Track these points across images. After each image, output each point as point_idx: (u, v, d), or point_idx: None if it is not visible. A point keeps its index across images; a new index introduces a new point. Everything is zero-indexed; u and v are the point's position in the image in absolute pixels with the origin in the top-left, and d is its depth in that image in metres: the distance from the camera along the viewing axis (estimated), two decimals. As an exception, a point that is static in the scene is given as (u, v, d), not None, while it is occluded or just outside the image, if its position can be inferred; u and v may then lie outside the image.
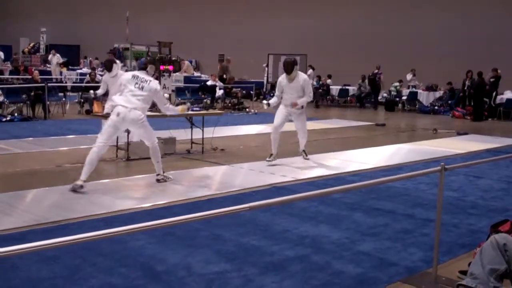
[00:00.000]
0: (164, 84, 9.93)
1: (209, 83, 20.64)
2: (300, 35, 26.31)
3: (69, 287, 4.13)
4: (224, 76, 22.07)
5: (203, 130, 10.35)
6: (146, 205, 6.57)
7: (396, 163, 10.02)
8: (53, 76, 20.67)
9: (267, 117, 17.66)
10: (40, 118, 14.73)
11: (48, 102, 14.99)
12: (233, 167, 9.03)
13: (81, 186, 7.02)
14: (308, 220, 6.11)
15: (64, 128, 13.15)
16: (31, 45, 32.68)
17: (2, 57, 26.58)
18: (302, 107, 9.34)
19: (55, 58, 21.66)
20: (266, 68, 25.31)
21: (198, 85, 20.62)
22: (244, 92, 21.47)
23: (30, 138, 11.37)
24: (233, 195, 7.21)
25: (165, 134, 10.47)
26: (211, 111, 10.97)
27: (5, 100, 14.81)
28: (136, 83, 7.49)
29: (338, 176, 8.71)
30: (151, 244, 5.08)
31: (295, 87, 9.23)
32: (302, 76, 9.39)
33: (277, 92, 9.60)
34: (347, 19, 25.56)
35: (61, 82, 19.06)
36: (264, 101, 9.66)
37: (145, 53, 26.36)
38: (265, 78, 25.77)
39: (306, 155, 9.78)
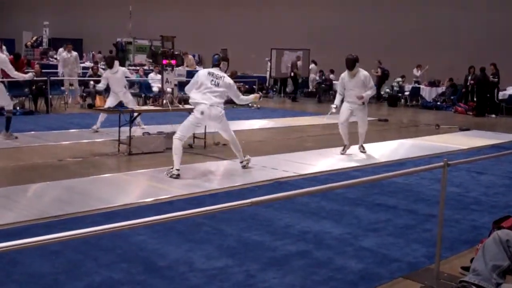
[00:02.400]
0: (167, 79, 9.91)
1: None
2: (303, 29, 26.24)
3: (70, 282, 4.12)
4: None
5: (205, 125, 10.33)
6: (148, 199, 6.56)
7: (398, 159, 10.00)
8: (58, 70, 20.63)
9: (270, 112, 17.69)
10: (42, 112, 14.73)
11: (50, 96, 14.98)
12: (235, 162, 9.01)
13: (178, 175, 7.62)
14: (310, 216, 6.10)
15: (66, 122, 13.14)
16: (34, 38, 32.65)
17: (5, 50, 26.55)
18: (363, 103, 9.82)
19: (65, 53, 21.62)
20: (269, 63, 25.26)
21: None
22: (247, 86, 21.43)
23: (32, 132, 11.37)
24: (235, 190, 7.20)
25: (168, 128, 10.46)
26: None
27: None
28: (212, 80, 7.90)
29: (341, 171, 8.70)
30: (152, 239, 5.07)
31: (357, 83, 9.67)
32: (363, 72, 9.79)
33: (339, 90, 10.14)
34: (350, 14, 25.50)
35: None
36: (332, 105, 10.20)
37: (147, 48, 26.37)
38: (268, 72, 25.71)
39: (364, 149, 10.22)
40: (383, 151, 10.94)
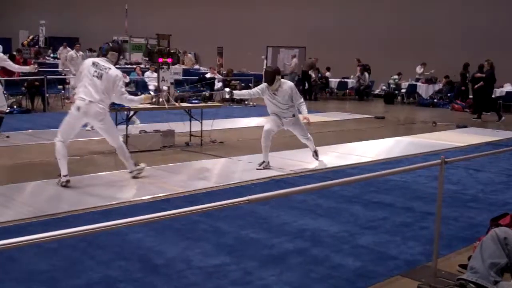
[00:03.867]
0: (163, 77, 9.90)
1: (208, 75, 20.59)
2: (299, 27, 26.24)
3: (68, 280, 4.11)
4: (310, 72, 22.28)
5: (202, 123, 10.34)
6: (145, 197, 6.56)
7: (395, 156, 10.01)
8: (59, 69, 20.60)
9: (266, 110, 17.63)
10: (39, 111, 14.70)
11: (47, 95, 14.95)
12: (232, 159, 9.02)
13: (68, 181, 6.88)
14: (307, 213, 6.10)
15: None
16: (31, 37, 32.60)
17: (1, 50, 26.47)
18: (294, 115, 8.44)
19: (65, 52, 21.55)
20: (265, 61, 25.27)
21: (197, 77, 20.57)
22: (243, 84, 21.40)
23: (30, 130, 11.34)
24: (232, 188, 7.20)
25: (164, 126, 10.45)
26: (209, 103, 10.93)
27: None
28: (95, 71, 6.91)
29: (337, 169, 8.70)
30: (150, 236, 5.07)
31: (282, 99, 8.26)
32: (287, 85, 8.31)
33: (256, 89, 8.61)
34: (346, 11, 25.51)
35: (60, 74, 18.97)
36: (227, 89, 8.83)
37: (144, 46, 26.34)
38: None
39: (317, 156, 9.04)
40: (380, 148, 10.94)
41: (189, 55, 24.96)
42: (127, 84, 15.53)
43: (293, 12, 26.75)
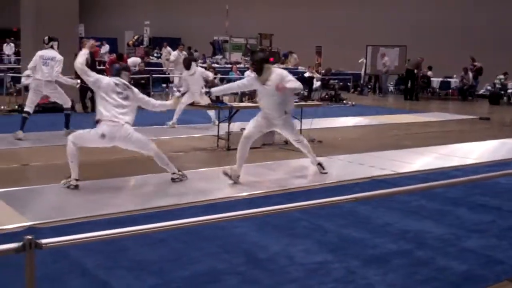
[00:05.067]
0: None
1: (306, 74, 20.60)
2: (399, 26, 25.69)
3: (175, 271, 4.27)
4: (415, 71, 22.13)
5: (301, 122, 10.37)
6: (244, 194, 6.67)
7: (500, 159, 9.60)
8: (163, 68, 21.40)
9: (365, 109, 17.46)
10: (140, 108, 15.24)
11: (152, 93, 15.51)
12: (330, 158, 8.98)
13: (77, 186, 6.54)
14: (409, 215, 5.98)
15: (165, 117, 13.50)
16: (135, 37, 33.92)
17: (108, 49, 27.82)
18: (286, 112, 7.26)
19: (166, 52, 22.39)
20: (365, 60, 24.93)
21: (295, 77, 20.65)
22: (341, 84, 21.27)
23: (134, 127, 11.75)
24: (331, 187, 7.18)
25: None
26: (308, 102, 10.95)
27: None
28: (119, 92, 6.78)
29: (440, 170, 8.46)
30: (252, 232, 5.16)
31: (273, 90, 7.01)
32: (276, 73, 7.10)
33: (242, 81, 7.79)
34: (448, 9, 24.70)
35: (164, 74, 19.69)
36: (203, 90, 7.87)
37: (243, 46, 26.79)
38: (363, 70, 25.37)
39: (323, 168, 7.77)
40: (484, 150, 10.54)
41: (294, 55, 25.08)
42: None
43: (393, 10, 26.25)
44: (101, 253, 4.51)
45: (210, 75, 12.14)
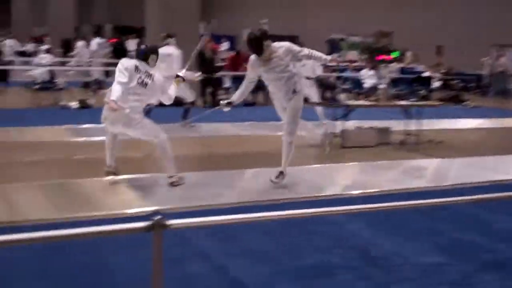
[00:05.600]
0: (381, 74, 9.91)
1: (425, 74, 20.03)
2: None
3: (289, 261, 4.37)
4: None
5: (418, 122, 10.13)
6: (356, 191, 6.61)
7: None
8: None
9: (487, 111, 16.69)
10: (261, 104, 15.51)
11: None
12: (449, 161, 8.71)
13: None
14: (533, 221, 5.69)
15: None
16: (253, 35, 34.51)
17: (228, 47, 28.58)
18: (295, 91, 6.36)
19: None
20: (490, 61, 23.78)
21: (413, 76, 20.14)
22: (463, 84, 20.49)
23: (251, 122, 12.01)
24: (448, 189, 6.96)
25: (379, 124, 10.43)
26: (427, 102, 10.67)
27: (231, 86, 15.91)
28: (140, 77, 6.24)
29: None
30: (365, 229, 5.15)
31: (280, 69, 6.28)
32: (282, 48, 6.32)
33: (247, 76, 6.60)
34: None
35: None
36: (222, 102, 6.85)
37: (359, 44, 26.49)
38: (486, 70, 24.21)
39: (280, 175, 6.60)
40: None
41: (410, 52, 24.49)
42: (344, 82, 15.82)
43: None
44: (220, 240, 4.71)
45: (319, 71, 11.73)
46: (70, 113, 12.28)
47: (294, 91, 6.35)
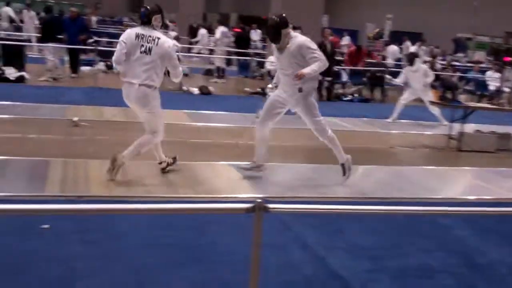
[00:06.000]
0: (508, 77, 9.47)
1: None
2: None
3: (389, 260, 4.36)
4: None
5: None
6: (471, 197, 6.40)
7: None
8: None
9: None
10: (377, 101, 15.32)
11: (386, 86, 15.50)
12: None
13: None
14: None
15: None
16: (376, 31, 33.99)
17: (348, 41, 28.36)
18: (300, 89, 5.90)
19: (405, 46, 22.31)
20: None
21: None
22: None
23: (365, 118, 11.92)
24: None
25: (502, 129, 9.97)
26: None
27: (348, 81, 15.85)
28: (142, 45, 5.68)
29: None
30: (474, 236, 5.01)
31: (288, 61, 5.95)
32: (296, 41, 5.91)
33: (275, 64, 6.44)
34: None
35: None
36: (269, 86, 6.58)
37: (487, 45, 25.34)
38: None
39: (344, 172, 6.39)
40: None
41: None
42: (467, 83, 15.25)
43: None
44: (321, 232, 4.79)
45: (430, 78, 11.44)
46: (192, 98, 12.78)
47: (300, 90, 5.90)
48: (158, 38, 5.65)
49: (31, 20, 20.16)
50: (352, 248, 4.53)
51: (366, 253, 4.46)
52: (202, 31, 22.99)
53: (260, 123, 6.22)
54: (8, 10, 20.58)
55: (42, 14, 18.24)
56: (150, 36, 5.65)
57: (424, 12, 34.83)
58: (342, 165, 6.33)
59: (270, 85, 6.45)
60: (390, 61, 20.33)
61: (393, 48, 22.02)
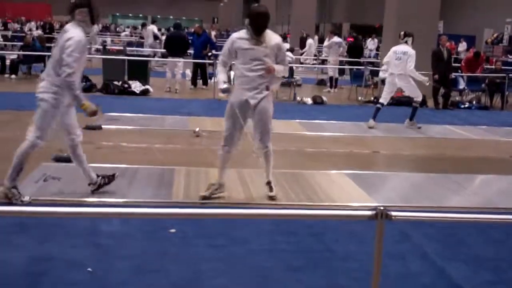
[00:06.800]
0: None
1: None
2: None
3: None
4: None
5: None
6: None
7: None
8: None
9: None
10: (497, 108, 14.73)
11: (507, 93, 14.87)
12: None
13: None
14: None
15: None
16: (495, 35, 32.64)
17: (465, 47, 27.48)
18: (267, 87, 5.56)
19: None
20: None
21: None
22: None
23: (484, 126, 11.50)
24: None
25: None
26: None
27: (466, 88, 15.36)
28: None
29: None
30: None
31: (264, 55, 5.46)
32: (276, 38, 5.63)
33: (222, 61, 5.72)
34: None
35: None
36: (221, 86, 5.63)
37: None
38: None
39: (272, 189, 5.75)
40: None
41: None
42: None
43: None
44: (441, 242, 4.76)
45: None
46: (305, 108, 12.95)
47: (267, 88, 5.56)
48: (65, 32, 5.18)
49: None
50: (473, 260, 4.47)
51: (488, 264, 4.39)
52: (310, 41, 23.20)
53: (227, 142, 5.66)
54: (153, 28, 22.07)
55: (168, 30, 19.49)
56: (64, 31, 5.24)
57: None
58: (269, 183, 5.79)
59: (224, 86, 5.58)
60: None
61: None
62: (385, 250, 2.99)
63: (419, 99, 10.69)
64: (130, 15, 67.75)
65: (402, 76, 10.31)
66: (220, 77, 5.64)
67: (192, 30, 21.49)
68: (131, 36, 34.17)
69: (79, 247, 4.33)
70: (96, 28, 24.52)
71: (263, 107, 5.56)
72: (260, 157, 5.76)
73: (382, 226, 2.81)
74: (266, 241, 4.62)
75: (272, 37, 5.57)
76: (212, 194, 5.63)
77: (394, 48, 10.55)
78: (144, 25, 26.63)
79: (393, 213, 2.82)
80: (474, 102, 14.73)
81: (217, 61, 5.83)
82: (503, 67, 17.16)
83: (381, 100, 10.66)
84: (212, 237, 4.63)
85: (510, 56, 25.48)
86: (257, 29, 5.43)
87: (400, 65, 10.23)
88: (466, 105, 14.40)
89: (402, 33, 10.60)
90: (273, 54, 5.51)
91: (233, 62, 5.77)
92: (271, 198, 5.69)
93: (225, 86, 5.55)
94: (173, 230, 4.70)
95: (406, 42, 10.41)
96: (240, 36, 5.52)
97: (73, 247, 4.34)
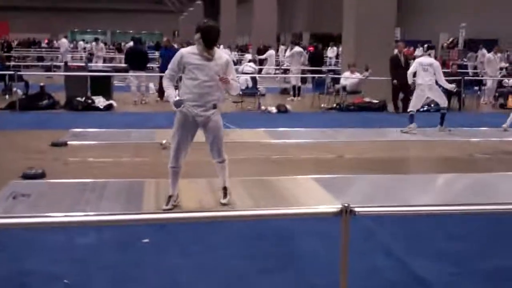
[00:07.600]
0: None
1: None
2: None
3: (475, 263, 4.46)
4: None
5: None
6: None
7: None
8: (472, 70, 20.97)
9: None
10: (455, 110, 15.10)
11: (463, 95, 15.30)
12: None
13: None
14: None
15: (477, 120, 13.27)
16: (450, 40, 33.49)
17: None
18: (215, 106, 5.61)
19: (481, 54, 21.88)
20: None
21: None
22: None
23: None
24: None
25: None
26: None
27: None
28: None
29: None
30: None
31: (215, 71, 5.49)
32: (224, 54, 5.93)
33: (169, 70, 5.66)
34: None
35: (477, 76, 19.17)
36: (174, 99, 5.62)
37: None
38: None
39: (225, 196, 5.88)
40: None
41: None
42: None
43: None
44: (405, 239, 4.97)
45: None
46: (271, 117, 13.12)
47: (215, 106, 5.61)
48: None
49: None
50: (435, 254, 4.67)
51: (450, 258, 4.59)
52: (270, 51, 23.51)
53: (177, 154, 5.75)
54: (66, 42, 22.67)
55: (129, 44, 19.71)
56: None
57: (499, 18, 33.95)
58: (225, 188, 5.89)
59: (176, 98, 5.61)
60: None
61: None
62: (351, 248, 3.14)
63: (446, 105, 11.34)
64: (89, 30, 67.20)
65: (431, 86, 10.90)
66: (170, 91, 5.68)
67: (152, 43, 21.65)
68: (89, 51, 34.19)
69: (55, 261, 4.39)
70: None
71: (214, 125, 5.63)
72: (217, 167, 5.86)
73: (347, 222, 2.97)
74: (237, 246, 4.75)
75: (221, 54, 5.70)
76: (174, 206, 5.70)
77: (419, 60, 11.25)
78: (96, 40, 26.82)
79: (357, 209, 2.99)
80: (432, 105, 15.09)
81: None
82: (458, 70, 17.67)
83: (410, 109, 11.21)
84: (185, 245, 4.74)
85: (465, 60, 26.17)
86: (209, 43, 5.43)
87: (429, 76, 10.80)
88: (425, 108, 14.74)
89: (426, 45, 11.21)
90: (223, 72, 5.52)
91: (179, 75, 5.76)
92: (223, 205, 5.78)
93: (177, 98, 5.59)
94: (146, 240, 4.79)
95: (429, 54, 11.14)
96: (190, 51, 5.53)
97: (49, 260, 4.39)
